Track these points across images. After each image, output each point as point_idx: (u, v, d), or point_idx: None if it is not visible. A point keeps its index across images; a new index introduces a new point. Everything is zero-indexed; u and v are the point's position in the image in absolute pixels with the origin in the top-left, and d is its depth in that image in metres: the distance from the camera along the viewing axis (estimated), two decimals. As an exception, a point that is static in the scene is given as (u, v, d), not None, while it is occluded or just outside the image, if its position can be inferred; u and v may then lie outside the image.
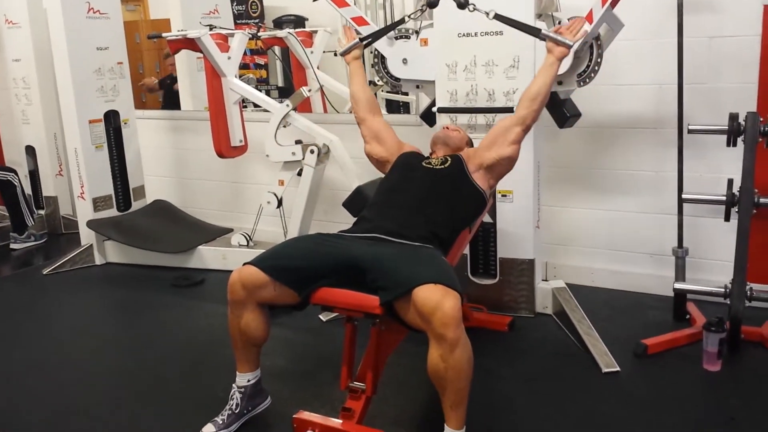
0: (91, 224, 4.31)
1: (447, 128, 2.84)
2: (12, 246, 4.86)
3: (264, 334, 2.33)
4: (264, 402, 2.47)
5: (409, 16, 2.90)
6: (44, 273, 4.24)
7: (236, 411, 2.38)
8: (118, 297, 3.95)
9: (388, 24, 3.20)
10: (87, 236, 4.38)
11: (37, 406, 2.67)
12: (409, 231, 2.37)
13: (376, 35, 3.05)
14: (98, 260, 4.38)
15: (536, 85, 2.56)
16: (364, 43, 2.96)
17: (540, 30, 2.58)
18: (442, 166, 2.61)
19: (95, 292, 4.00)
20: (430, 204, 2.50)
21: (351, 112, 4.39)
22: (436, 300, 1.95)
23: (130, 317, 3.65)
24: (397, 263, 2.16)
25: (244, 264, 2.27)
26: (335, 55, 5.02)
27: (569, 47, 2.53)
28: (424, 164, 2.66)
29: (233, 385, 2.40)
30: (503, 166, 2.62)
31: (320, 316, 3.27)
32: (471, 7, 2.66)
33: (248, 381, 2.39)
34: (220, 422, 2.36)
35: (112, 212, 4.44)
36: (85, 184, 4.29)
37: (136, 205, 4.58)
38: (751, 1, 3.01)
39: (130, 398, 2.70)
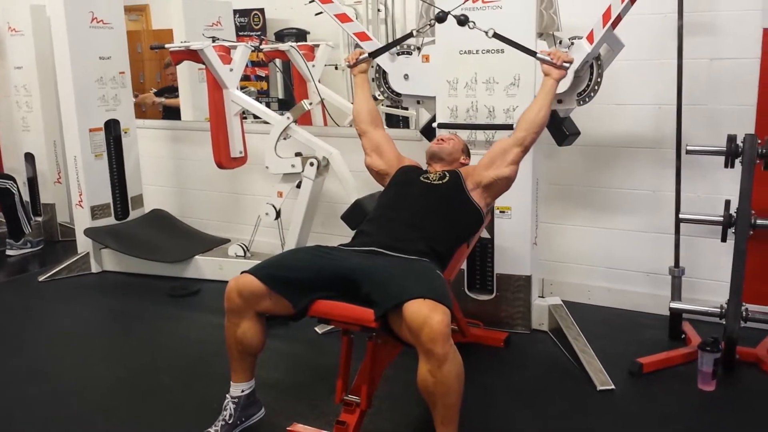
0: (88, 232, 4.30)
1: (441, 140, 2.82)
2: (8, 252, 4.85)
3: (260, 344, 2.33)
4: (258, 413, 2.46)
5: (418, 31, 2.92)
6: (40, 280, 4.23)
7: (229, 421, 2.37)
8: (114, 306, 3.94)
9: (395, 38, 3.27)
10: (84, 244, 4.37)
11: (30, 414, 2.65)
12: (406, 245, 2.38)
13: (384, 49, 3.08)
14: (95, 268, 4.38)
15: (535, 106, 2.61)
16: (371, 59, 3.02)
17: (536, 52, 2.65)
18: (440, 182, 2.63)
19: (91, 301, 3.99)
20: (427, 219, 2.51)
21: (351, 126, 4.45)
22: (424, 315, 1.95)
23: (125, 326, 3.63)
24: (390, 277, 2.17)
25: (242, 272, 2.28)
26: (336, 68, 5.07)
27: (566, 69, 2.59)
28: (422, 179, 2.67)
29: (227, 395, 2.39)
30: (501, 185, 2.65)
31: (316, 329, 3.26)
32: (471, 25, 2.69)
33: (242, 391, 2.39)
34: (214, 432, 2.35)
35: (110, 221, 4.44)
36: (83, 192, 4.29)
37: (134, 214, 4.58)
38: (750, 24, 3.04)
39: (123, 408, 2.69)
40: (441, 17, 2.78)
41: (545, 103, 2.60)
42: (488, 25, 2.69)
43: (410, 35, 2.95)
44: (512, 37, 2.91)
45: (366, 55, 2.98)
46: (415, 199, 2.60)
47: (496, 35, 2.68)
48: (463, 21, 2.69)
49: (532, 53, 2.66)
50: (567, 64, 2.59)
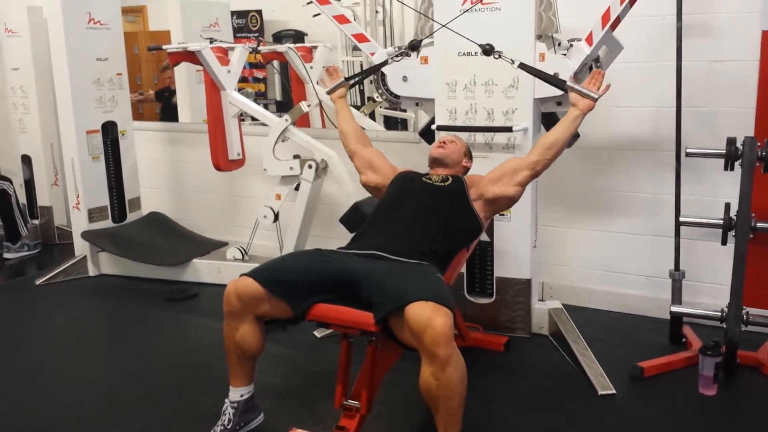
0: (85, 235, 4.28)
1: (442, 144, 2.80)
2: (5, 255, 4.83)
3: (259, 347, 2.32)
4: (257, 418, 2.45)
5: (392, 59, 2.99)
6: (37, 283, 4.20)
7: (228, 427, 2.35)
8: (111, 309, 3.92)
9: (370, 66, 3.31)
10: (81, 247, 4.35)
11: (25, 418, 2.64)
12: (406, 247, 2.37)
13: (361, 76, 3.18)
14: (92, 272, 4.35)
15: (555, 134, 2.55)
16: (349, 82, 3.06)
17: (565, 81, 2.57)
18: (443, 184, 2.63)
19: (88, 304, 3.97)
20: (427, 217, 2.51)
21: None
22: (426, 317, 1.94)
23: (122, 330, 3.61)
24: (391, 280, 2.16)
25: (241, 275, 2.27)
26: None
27: (595, 100, 2.50)
28: (424, 179, 2.67)
29: (226, 400, 2.38)
30: (502, 203, 2.66)
31: (315, 333, 3.25)
32: (496, 55, 2.70)
33: (241, 396, 2.37)
34: (213, 438, 2.34)
35: (107, 223, 4.42)
36: (80, 194, 4.28)
37: (131, 217, 4.56)
38: (749, 27, 3.03)
39: (120, 412, 2.67)
40: (414, 45, 2.92)
41: (565, 133, 2.53)
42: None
43: (386, 63, 3.03)
44: (510, 39, 2.92)
45: (342, 79, 3.02)
46: (415, 198, 2.59)
47: (522, 65, 2.67)
48: (488, 51, 2.70)
49: (561, 83, 2.57)
50: (595, 95, 2.48)
